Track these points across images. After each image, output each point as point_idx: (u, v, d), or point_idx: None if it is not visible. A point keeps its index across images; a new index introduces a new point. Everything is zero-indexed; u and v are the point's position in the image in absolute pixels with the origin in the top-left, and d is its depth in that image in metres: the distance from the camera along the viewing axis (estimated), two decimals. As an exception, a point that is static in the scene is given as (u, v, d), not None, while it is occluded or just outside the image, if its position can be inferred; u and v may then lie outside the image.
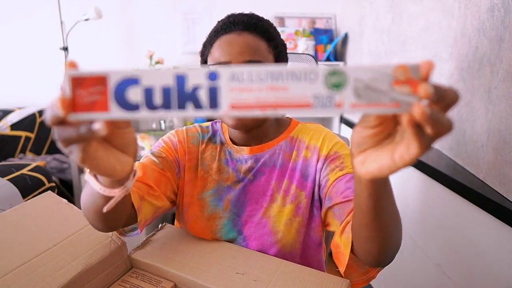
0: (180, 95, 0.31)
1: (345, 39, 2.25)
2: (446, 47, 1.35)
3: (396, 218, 0.56)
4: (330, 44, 2.28)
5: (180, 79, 0.31)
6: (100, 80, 0.31)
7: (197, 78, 0.31)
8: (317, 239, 0.77)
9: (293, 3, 2.41)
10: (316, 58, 2.32)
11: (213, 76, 0.31)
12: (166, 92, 0.31)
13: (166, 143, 0.80)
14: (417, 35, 1.48)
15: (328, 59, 2.24)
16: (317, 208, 0.75)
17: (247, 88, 0.31)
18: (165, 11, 2.42)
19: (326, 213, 0.72)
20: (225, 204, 0.78)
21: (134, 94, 0.31)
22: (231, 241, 0.76)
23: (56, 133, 0.33)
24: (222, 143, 0.81)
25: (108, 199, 0.48)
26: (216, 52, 0.70)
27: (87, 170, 0.47)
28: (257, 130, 0.77)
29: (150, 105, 0.31)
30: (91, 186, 0.47)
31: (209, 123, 0.86)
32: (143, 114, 0.31)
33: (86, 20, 2.13)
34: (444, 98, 0.33)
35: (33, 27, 2.38)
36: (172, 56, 2.46)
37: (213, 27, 0.74)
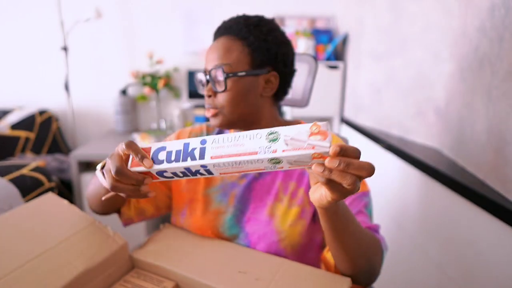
0: (184, 154, 0.52)
1: (345, 39, 2.25)
2: (446, 47, 1.35)
3: (359, 245, 0.63)
4: (330, 44, 2.28)
5: (186, 145, 0.53)
6: (147, 150, 0.56)
7: (194, 144, 0.52)
8: (320, 241, 0.78)
9: (293, 3, 2.41)
10: (316, 58, 2.33)
11: (203, 142, 0.52)
12: (177, 153, 0.53)
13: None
14: (417, 35, 1.48)
15: (328, 59, 2.24)
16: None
17: (221, 146, 0.50)
18: (165, 11, 2.42)
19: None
20: (230, 199, 0.79)
21: (162, 155, 0.54)
22: (234, 237, 0.77)
23: (114, 182, 0.56)
24: None
25: (107, 191, 0.68)
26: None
27: (98, 167, 0.63)
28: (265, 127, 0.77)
29: (169, 160, 0.53)
30: (99, 179, 0.65)
31: None
32: (164, 165, 0.53)
33: (86, 20, 2.13)
34: (346, 151, 0.45)
35: (33, 27, 2.38)
36: (172, 56, 2.46)
37: None
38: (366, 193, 0.77)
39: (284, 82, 0.77)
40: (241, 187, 0.79)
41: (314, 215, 0.76)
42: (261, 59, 0.73)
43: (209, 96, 0.74)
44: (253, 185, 0.78)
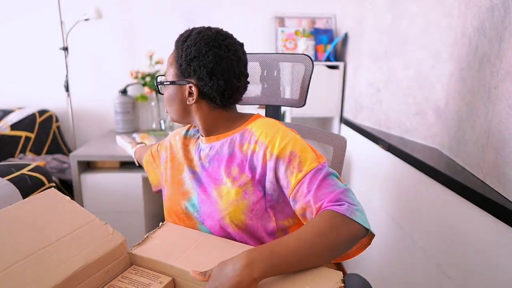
0: None
1: (345, 39, 2.25)
2: (446, 47, 1.35)
3: (315, 256, 0.67)
4: (330, 44, 2.28)
5: None
6: None
7: None
8: (272, 229, 0.83)
9: (293, 3, 2.41)
10: (316, 58, 2.33)
11: None
12: None
13: (159, 146, 1.10)
14: (417, 35, 1.48)
15: (328, 59, 2.25)
16: (269, 201, 0.82)
17: None
18: (165, 11, 2.42)
19: (300, 213, 0.78)
20: (192, 183, 0.91)
21: None
22: (191, 213, 0.89)
23: None
24: (199, 137, 0.96)
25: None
26: None
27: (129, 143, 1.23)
28: (205, 126, 0.90)
29: None
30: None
31: None
32: None
33: (86, 20, 2.13)
34: None
35: (33, 27, 2.38)
36: (172, 56, 2.46)
37: None
38: (323, 165, 0.78)
39: (207, 92, 0.85)
40: (198, 174, 0.91)
41: (262, 200, 0.81)
42: (180, 72, 0.86)
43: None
44: (206, 173, 0.89)
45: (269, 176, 0.80)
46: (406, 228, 1.42)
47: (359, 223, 0.68)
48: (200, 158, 0.91)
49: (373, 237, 0.72)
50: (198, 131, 0.99)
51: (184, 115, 0.90)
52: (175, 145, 1.01)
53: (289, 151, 0.78)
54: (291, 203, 0.79)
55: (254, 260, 0.62)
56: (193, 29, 0.87)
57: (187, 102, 0.86)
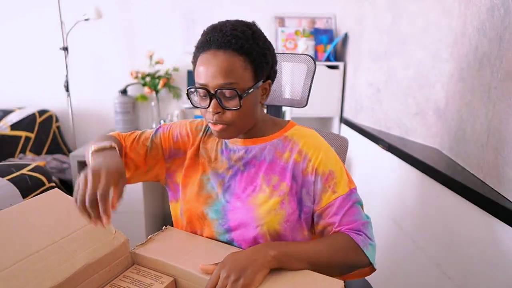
0: None
1: (345, 39, 2.25)
2: (446, 47, 1.35)
3: (324, 265, 0.71)
4: (330, 44, 2.28)
5: None
6: None
7: None
8: (296, 239, 0.82)
9: (293, 3, 2.41)
10: (316, 58, 2.33)
11: None
12: None
13: (171, 133, 0.91)
14: (417, 35, 1.48)
15: (328, 59, 2.25)
16: (305, 213, 0.80)
17: None
18: (165, 11, 2.42)
19: (319, 229, 0.81)
20: (218, 187, 0.84)
21: None
22: (214, 221, 0.82)
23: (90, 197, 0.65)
24: None
25: None
26: (197, 71, 0.75)
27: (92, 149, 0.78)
28: (251, 127, 0.82)
29: None
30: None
31: None
32: None
33: (86, 20, 2.13)
34: None
35: (33, 27, 2.38)
36: (172, 56, 2.46)
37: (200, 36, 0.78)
38: (353, 190, 0.80)
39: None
40: (227, 177, 0.83)
41: (298, 212, 0.80)
42: (262, 73, 0.76)
43: (218, 113, 0.74)
44: (238, 177, 0.82)
45: (309, 189, 0.79)
46: (406, 228, 1.42)
47: (367, 257, 0.75)
48: (231, 160, 0.84)
49: (374, 270, 0.79)
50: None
51: (255, 119, 0.81)
52: (196, 137, 0.89)
53: (328, 169, 0.79)
54: (315, 218, 0.81)
55: (271, 244, 0.71)
56: (236, 25, 0.75)
57: (261, 102, 0.80)
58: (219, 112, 0.74)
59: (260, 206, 0.78)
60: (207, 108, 0.74)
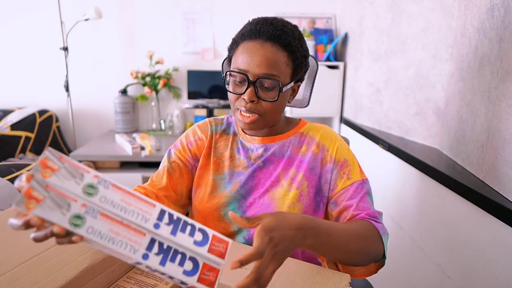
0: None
1: (345, 39, 2.25)
2: (446, 47, 1.35)
3: (349, 252, 0.68)
4: (330, 44, 2.28)
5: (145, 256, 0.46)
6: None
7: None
8: None
9: (293, 3, 2.42)
10: (316, 58, 2.33)
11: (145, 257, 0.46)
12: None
13: (182, 144, 0.90)
14: (417, 35, 1.48)
15: (328, 59, 2.25)
16: (324, 203, 0.83)
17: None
18: (165, 11, 2.42)
19: (335, 215, 0.81)
20: (233, 186, 0.84)
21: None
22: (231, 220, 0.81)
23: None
24: (235, 134, 0.89)
25: None
26: (238, 57, 0.75)
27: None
28: (273, 125, 0.84)
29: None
30: None
31: (224, 116, 0.94)
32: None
33: (86, 20, 2.13)
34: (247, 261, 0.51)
35: (33, 27, 2.38)
36: (172, 56, 2.46)
37: (243, 26, 0.79)
38: (366, 181, 0.83)
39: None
40: (246, 175, 0.83)
41: (315, 201, 0.81)
42: (299, 73, 0.79)
43: (252, 101, 0.75)
44: (257, 174, 0.83)
45: (327, 177, 0.82)
46: (406, 228, 1.42)
47: (383, 246, 0.73)
48: (249, 159, 0.85)
49: (381, 267, 0.76)
50: (227, 128, 0.90)
51: (280, 117, 0.84)
52: (207, 137, 0.89)
53: (343, 158, 0.82)
54: (330, 205, 0.82)
55: (308, 231, 0.60)
56: (285, 23, 0.77)
57: (289, 101, 0.84)
58: (254, 101, 0.75)
59: (278, 200, 0.80)
60: (241, 94, 0.75)
